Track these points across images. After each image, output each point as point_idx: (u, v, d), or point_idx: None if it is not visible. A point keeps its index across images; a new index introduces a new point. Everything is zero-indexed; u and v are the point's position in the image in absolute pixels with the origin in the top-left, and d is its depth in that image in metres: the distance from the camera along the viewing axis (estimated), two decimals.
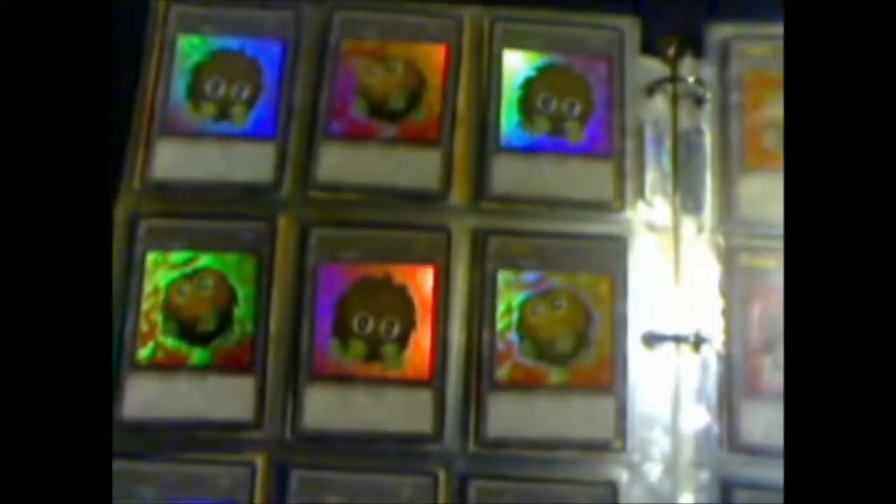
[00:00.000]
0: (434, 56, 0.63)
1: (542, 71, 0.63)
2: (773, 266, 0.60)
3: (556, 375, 0.58)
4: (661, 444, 0.58)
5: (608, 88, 0.63)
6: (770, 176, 0.61)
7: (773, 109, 0.63)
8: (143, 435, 0.57)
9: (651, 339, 0.60)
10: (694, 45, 0.65)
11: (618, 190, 0.62)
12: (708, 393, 0.59)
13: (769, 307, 0.60)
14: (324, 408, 0.58)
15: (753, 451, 0.58)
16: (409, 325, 0.59)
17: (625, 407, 0.58)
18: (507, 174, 0.62)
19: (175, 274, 0.59)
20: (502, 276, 0.60)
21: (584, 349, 0.59)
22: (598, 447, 0.58)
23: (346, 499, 0.56)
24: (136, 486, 0.56)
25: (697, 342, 0.60)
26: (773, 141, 0.63)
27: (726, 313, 0.60)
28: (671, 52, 0.64)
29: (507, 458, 0.58)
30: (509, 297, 0.60)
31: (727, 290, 0.61)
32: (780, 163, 0.59)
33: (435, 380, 0.58)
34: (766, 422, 0.58)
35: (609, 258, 0.61)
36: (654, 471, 0.58)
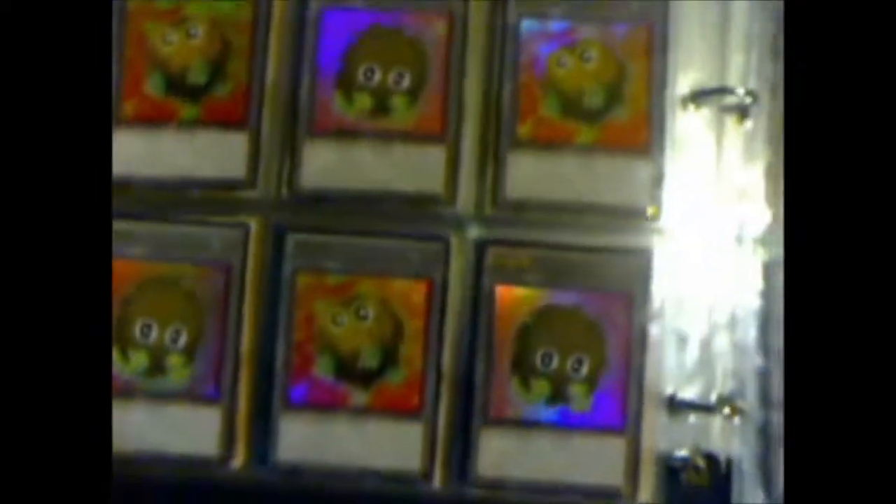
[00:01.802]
0: None
1: None
2: None
3: (584, 133, 0.52)
4: (701, 213, 0.52)
5: None
6: None
7: None
8: (129, 193, 0.52)
9: (693, 98, 0.53)
10: None
11: None
12: (756, 160, 0.53)
13: None
14: (324, 165, 0.52)
15: None
16: (420, 78, 0.52)
17: (661, 171, 0.52)
18: None
19: (161, 23, 0.53)
20: (525, 25, 0.53)
21: (617, 106, 0.52)
22: (632, 213, 0.52)
23: (348, 264, 0.51)
24: (125, 246, 0.51)
25: (744, 107, 0.53)
26: None
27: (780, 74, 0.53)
28: None
29: (527, 222, 0.52)
30: (532, 47, 0.53)
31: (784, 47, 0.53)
32: None
33: (448, 134, 0.52)
34: None
35: (647, 9, 0.53)
36: (693, 242, 0.52)
